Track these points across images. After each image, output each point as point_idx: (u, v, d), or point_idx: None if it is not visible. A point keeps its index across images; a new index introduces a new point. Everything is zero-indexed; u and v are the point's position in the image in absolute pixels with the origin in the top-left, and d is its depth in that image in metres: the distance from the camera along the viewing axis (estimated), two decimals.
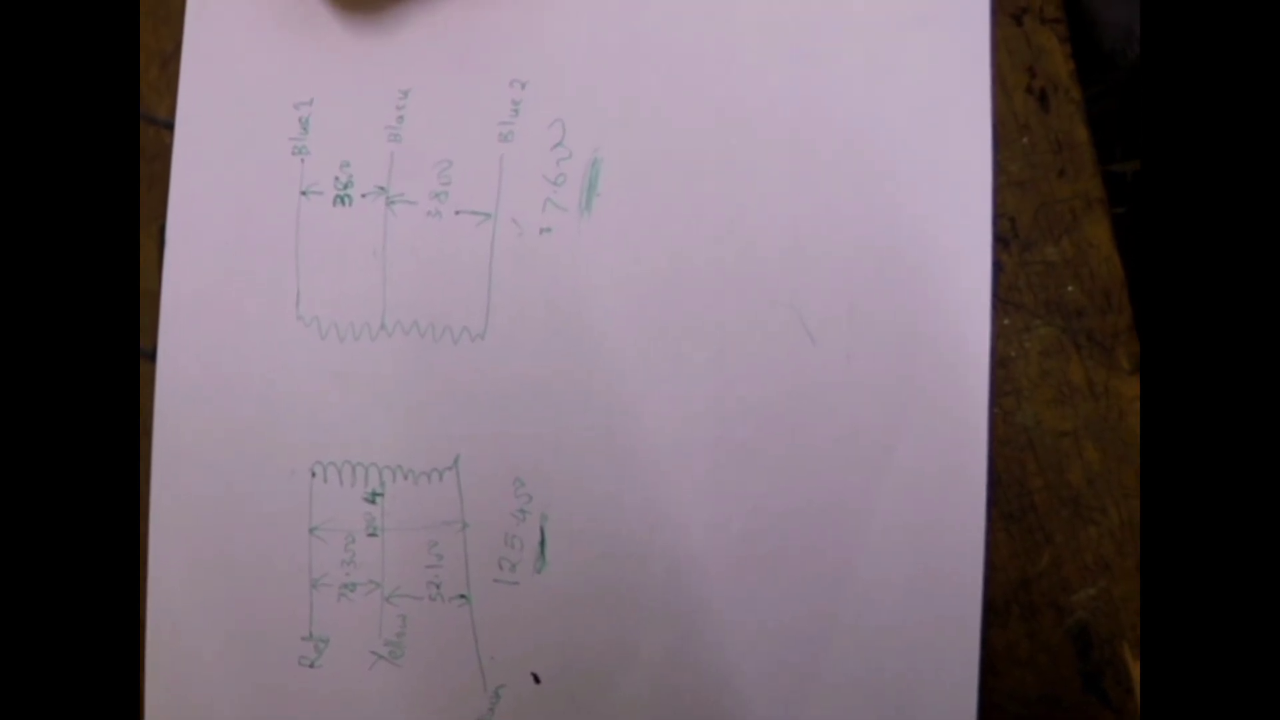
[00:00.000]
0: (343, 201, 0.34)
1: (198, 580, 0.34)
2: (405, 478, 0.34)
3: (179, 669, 0.34)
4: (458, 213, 0.34)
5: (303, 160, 0.34)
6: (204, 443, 0.34)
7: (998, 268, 0.34)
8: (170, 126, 0.35)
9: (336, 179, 0.34)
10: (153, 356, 0.34)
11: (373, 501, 0.34)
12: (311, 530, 0.34)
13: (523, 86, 0.34)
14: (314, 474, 0.34)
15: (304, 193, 0.34)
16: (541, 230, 0.34)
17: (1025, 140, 0.34)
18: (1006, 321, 0.34)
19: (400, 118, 0.34)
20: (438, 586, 0.34)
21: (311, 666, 0.34)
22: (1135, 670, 0.33)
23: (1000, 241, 0.34)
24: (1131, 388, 0.33)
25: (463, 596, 0.33)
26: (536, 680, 0.33)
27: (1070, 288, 0.34)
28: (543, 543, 0.33)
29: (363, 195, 0.34)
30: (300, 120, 0.34)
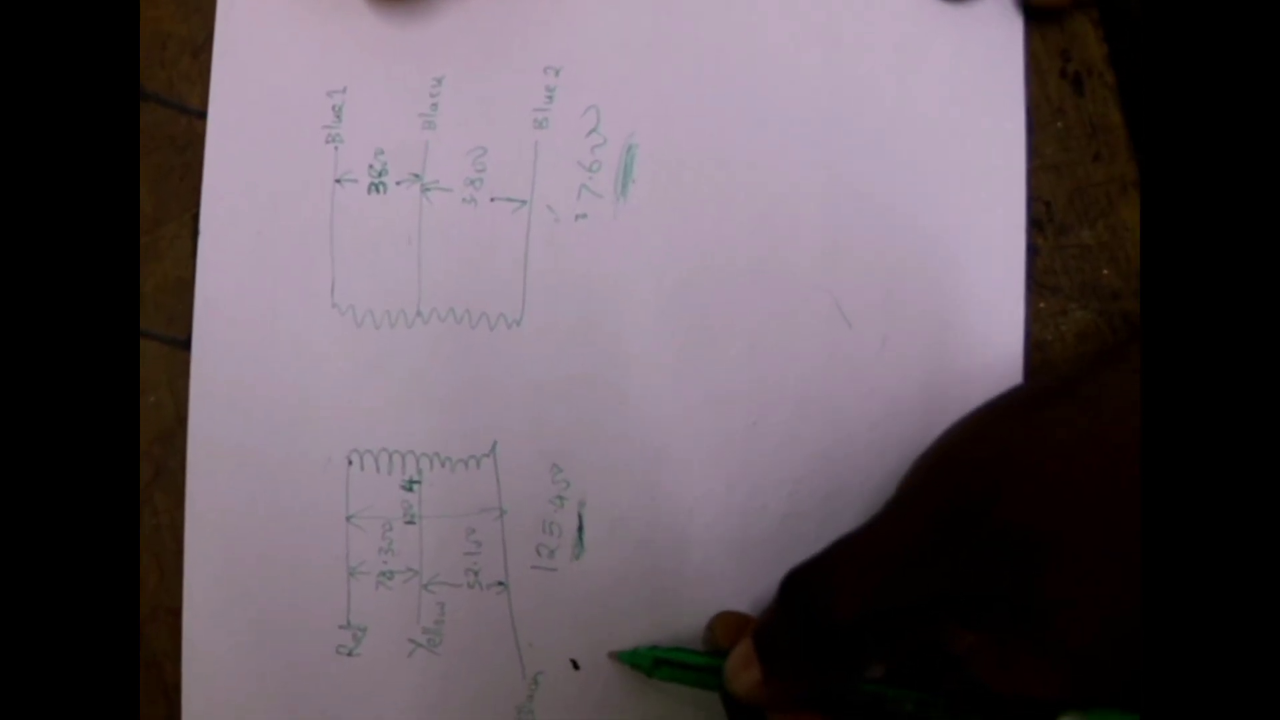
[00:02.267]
0: (377, 189, 0.34)
1: (234, 569, 0.34)
2: (442, 465, 0.34)
3: (215, 658, 0.34)
4: (493, 200, 0.34)
5: (336, 148, 0.34)
6: (239, 432, 0.34)
7: (1033, 251, 0.34)
8: (203, 115, 0.35)
9: (371, 167, 0.34)
10: (187, 345, 0.34)
11: (410, 489, 0.34)
12: (349, 519, 0.34)
13: (557, 73, 0.34)
14: (350, 462, 0.34)
15: (338, 181, 0.34)
16: (577, 217, 0.34)
17: (1060, 124, 0.34)
18: (1042, 305, 0.34)
19: (434, 105, 0.34)
20: (476, 574, 0.33)
21: (349, 655, 0.34)
22: None
23: (1035, 225, 0.34)
24: None
25: (501, 584, 0.33)
26: (575, 666, 0.33)
27: (1105, 271, 0.34)
28: (580, 529, 0.33)
29: (397, 183, 0.34)
30: (334, 108, 0.34)
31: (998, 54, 0.34)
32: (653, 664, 0.31)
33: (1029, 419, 0.26)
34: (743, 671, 0.28)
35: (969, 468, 0.26)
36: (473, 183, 0.34)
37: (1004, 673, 0.25)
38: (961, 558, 0.25)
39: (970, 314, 0.33)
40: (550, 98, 0.34)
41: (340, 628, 0.34)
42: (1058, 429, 0.25)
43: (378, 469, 0.34)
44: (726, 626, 0.31)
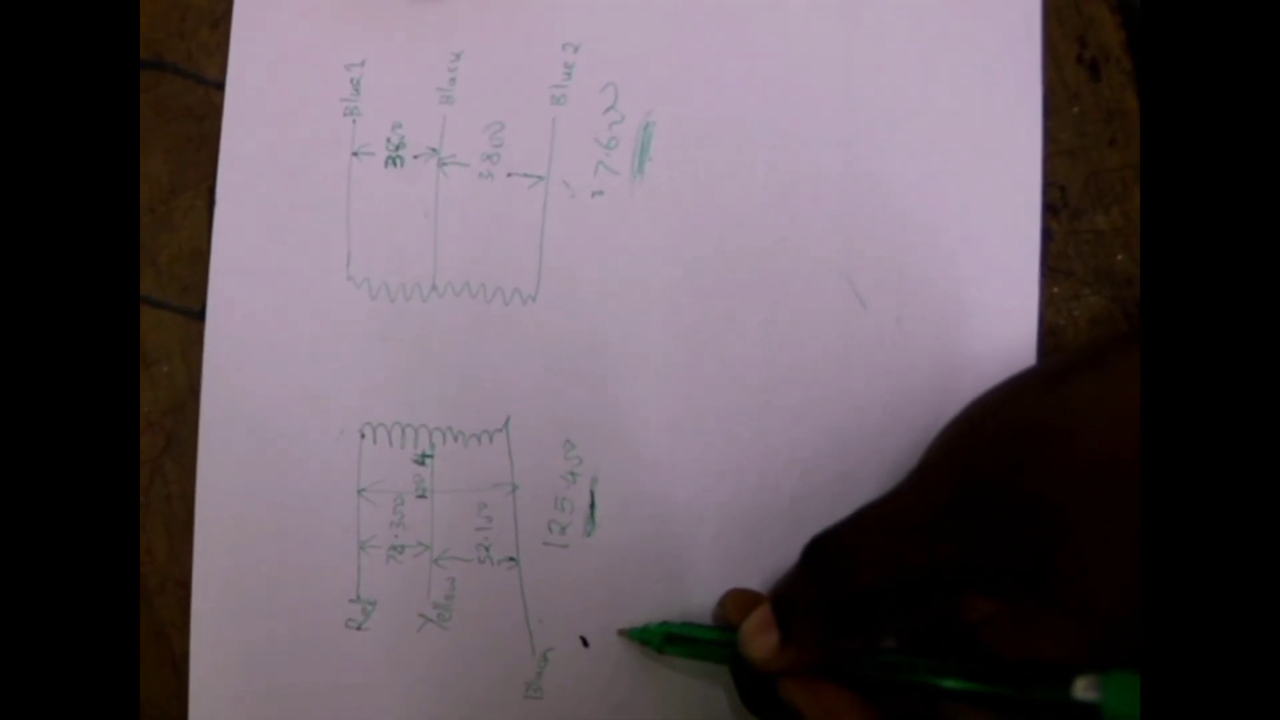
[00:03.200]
0: (394, 163, 0.34)
1: (244, 541, 0.34)
2: (455, 439, 0.33)
3: (223, 630, 0.34)
4: (509, 175, 0.34)
5: (354, 121, 0.34)
6: (252, 403, 0.34)
7: (1047, 236, 0.34)
8: (220, 86, 0.35)
9: (388, 140, 0.34)
10: (201, 316, 0.34)
11: (422, 463, 0.34)
12: (360, 492, 0.34)
13: (575, 50, 0.34)
14: (363, 435, 0.34)
15: (355, 154, 0.34)
16: (593, 193, 0.34)
17: (1076, 109, 0.34)
18: (1056, 289, 0.34)
19: (452, 80, 0.34)
20: (487, 549, 0.33)
21: (359, 629, 0.34)
22: None
23: (1050, 210, 0.34)
24: None
25: (512, 559, 0.33)
26: (585, 644, 0.33)
27: (1120, 256, 0.34)
28: (593, 505, 0.33)
29: (415, 156, 0.34)
30: (352, 81, 0.34)
31: (1015, 39, 0.34)
32: (663, 640, 0.31)
33: (1055, 390, 0.26)
34: (759, 636, 0.28)
35: (994, 437, 0.26)
36: (490, 158, 0.34)
37: (1018, 640, 0.25)
38: (984, 527, 0.25)
39: (985, 297, 0.33)
40: (568, 74, 0.34)
41: (350, 601, 0.34)
42: (1083, 400, 0.25)
43: (390, 442, 0.34)
44: (738, 603, 0.31)
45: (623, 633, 0.33)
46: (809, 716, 0.27)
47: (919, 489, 0.27)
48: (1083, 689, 0.24)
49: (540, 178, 0.34)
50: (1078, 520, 0.24)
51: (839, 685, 0.27)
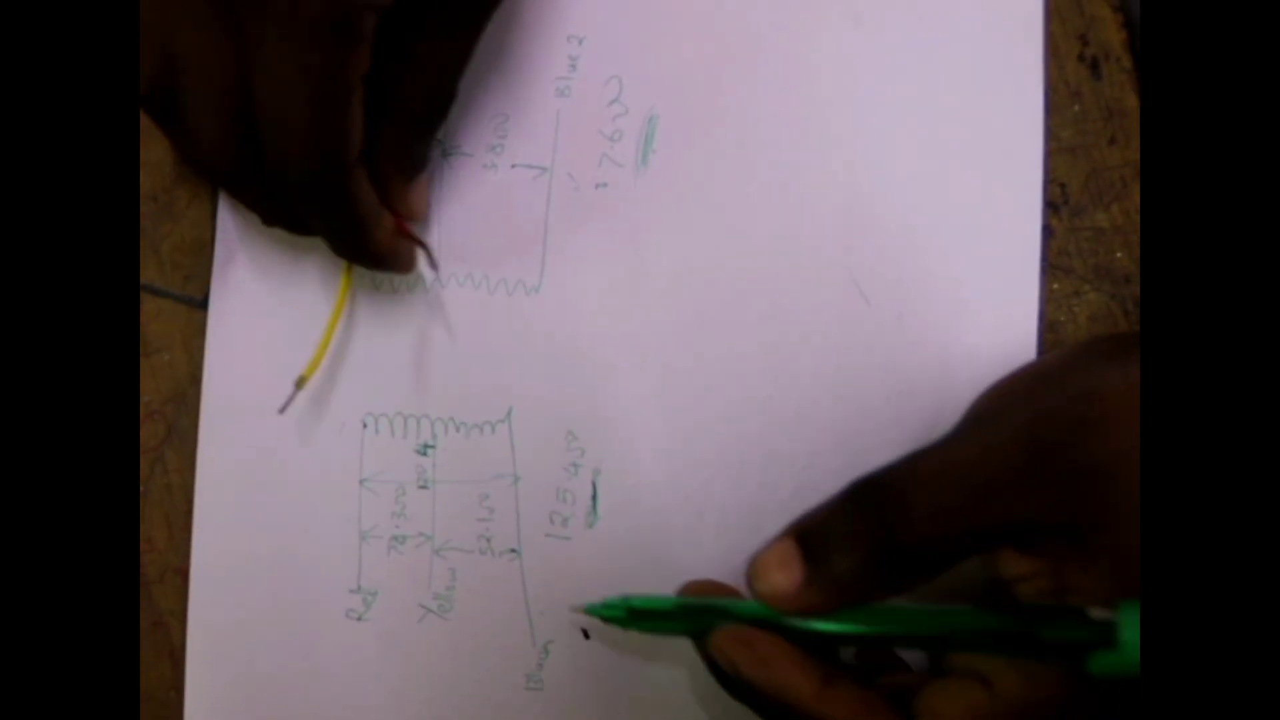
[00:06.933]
0: None
1: (244, 531, 0.34)
2: (457, 430, 0.34)
3: (222, 620, 0.34)
4: (514, 166, 0.34)
5: None
6: (254, 392, 0.34)
7: (1048, 233, 0.34)
8: None
9: None
10: (203, 305, 0.34)
11: (424, 454, 0.34)
12: (362, 482, 0.34)
13: (580, 42, 0.34)
14: (365, 425, 0.34)
15: None
16: (597, 185, 0.34)
17: (1076, 107, 0.35)
18: (1056, 286, 0.34)
19: None
20: (488, 540, 0.33)
21: (359, 619, 0.34)
22: None
23: (1051, 207, 0.34)
24: None
25: (513, 550, 0.33)
26: (586, 636, 0.33)
27: (1119, 254, 0.34)
28: (595, 497, 0.33)
29: None
30: None
31: (1017, 37, 0.34)
32: (628, 615, 0.29)
33: (1129, 357, 0.25)
34: (778, 570, 0.26)
35: (1063, 398, 0.26)
36: (494, 149, 0.34)
37: (1054, 597, 0.25)
38: (1044, 486, 0.25)
39: (985, 293, 0.34)
40: (573, 66, 0.34)
41: (350, 592, 0.34)
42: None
43: (392, 433, 0.34)
44: (701, 591, 0.30)
45: (577, 609, 0.30)
46: (745, 672, 0.26)
47: (979, 445, 0.26)
48: (1098, 612, 0.25)
49: (544, 169, 0.34)
50: (1130, 490, 0.24)
51: (780, 637, 0.26)
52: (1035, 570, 0.26)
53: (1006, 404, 0.27)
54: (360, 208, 0.29)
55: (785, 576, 0.26)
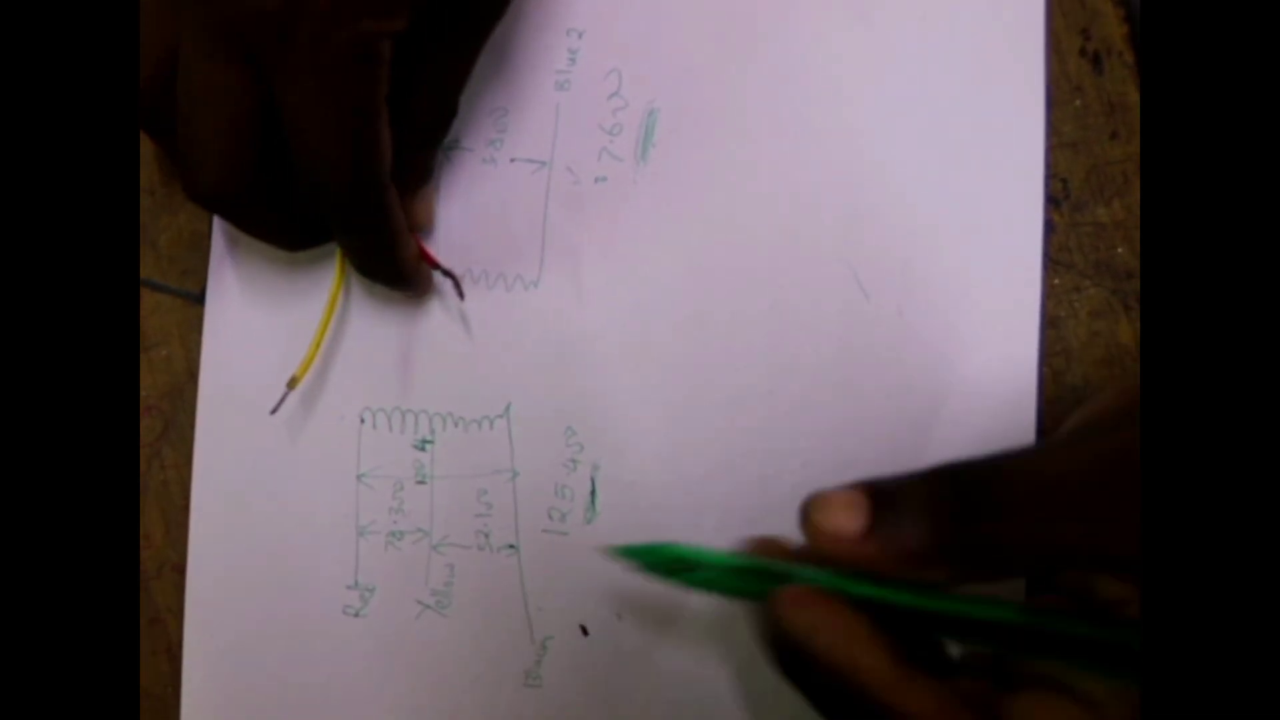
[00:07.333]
0: None
1: (241, 526, 0.34)
2: (456, 425, 0.33)
3: (219, 615, 0.34)
4: (513, 160, 0.34)
5: None
6: (251, 387, 0.34)
7: (1049, 228, 0.34)
8: None
9: None
10: (200, 299, 0.34)
11: (422, 449, 0.33)
12: (359, 477, 0.33)
13: (579, 36, 0.34)
14: (363, 420, 0.33)
15: None
16: (596, 179, 0.34)
17: (1078, 102, 0.34)
18: (1057, 281, 0.34)
19: None
20: (486, 536, 0.33)
21: (356, 615, 0.33)
22: None
23: (1052, 202, 0.34)
24: None
25: (511, 546, 0.33)
26: (584, 632, 0.33)
27: (1120, 249, 0.34)
28: (593, 493, 0.33)
29: None
30: None
31: (1019, 31, 0.34)
32: (670, 563, 0.26)
33: None
34: (841, 509, 0.24)
35: None
36: (493, 143, 0.34)
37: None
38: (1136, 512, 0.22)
39: (986, 288, 0.34)
40: (572, 60, 0.34)
41: (348, 588, 0.33)
42: None
43: (390, 428, 0.33)
44: (767, 548, 0.27)
45: (611, 550, 0.28)
46: (818, 643, 0.23)
47: (1078, 460, 0.24)
48: None
49: (543, 163, 0.34)
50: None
51: (853, 609, 0.23)
52: (1130, 597, 0.24)
53: (1107, 423, 0.25)
54: (394, 223, 0.30)
55: (850, 518, 0.24)
